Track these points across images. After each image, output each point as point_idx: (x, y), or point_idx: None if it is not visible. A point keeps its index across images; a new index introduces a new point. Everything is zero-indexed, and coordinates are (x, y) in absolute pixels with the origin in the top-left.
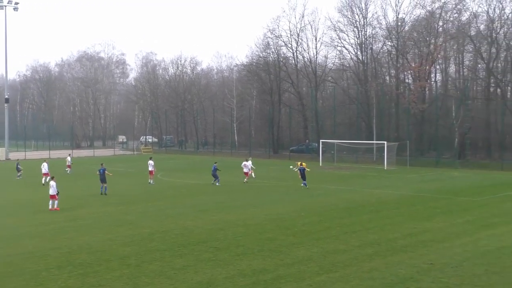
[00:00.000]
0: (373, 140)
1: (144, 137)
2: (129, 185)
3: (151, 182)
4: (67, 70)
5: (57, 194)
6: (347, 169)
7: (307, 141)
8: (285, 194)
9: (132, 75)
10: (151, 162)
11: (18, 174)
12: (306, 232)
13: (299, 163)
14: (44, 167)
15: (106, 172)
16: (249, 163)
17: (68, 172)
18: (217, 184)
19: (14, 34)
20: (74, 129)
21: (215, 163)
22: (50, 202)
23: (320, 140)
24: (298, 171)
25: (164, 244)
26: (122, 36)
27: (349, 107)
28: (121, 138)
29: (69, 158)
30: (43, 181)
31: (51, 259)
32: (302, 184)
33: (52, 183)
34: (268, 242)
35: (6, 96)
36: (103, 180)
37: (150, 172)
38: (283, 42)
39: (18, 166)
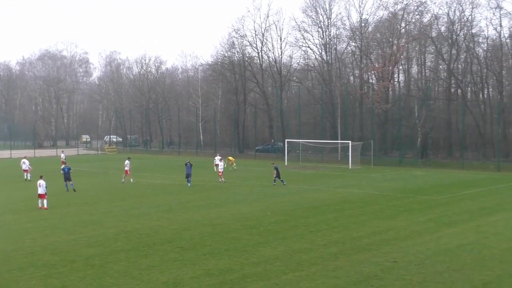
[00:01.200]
0: (337, 140)
1: (108, 136)
2: (94, 185)
3: (124, 181)
4: (29, 69)
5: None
6: (313, 168)
7: (272, 140)
8: (250, 193)
9: (96, 74)
10: (127, 162)
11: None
12: (272, 231)
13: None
14: (25, 164)
15: (70, 171)
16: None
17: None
18: (188, 184)
19: None
20: (36, 128)
21: (187, 162)
22: (40, 201)
23: (286, 140)
24: (274, 170)
25: (129, 244)
26: (85, 34)
27: (314, 107)
28: (85, 137)
29: (63, 155)
30: (25, 177)
31: (13, 260)
32: (281, 182)
33: (41, 182)
34: (234, 241)
35: None
36: (67, 178)
37: (126, 171)
38: (248, 42)
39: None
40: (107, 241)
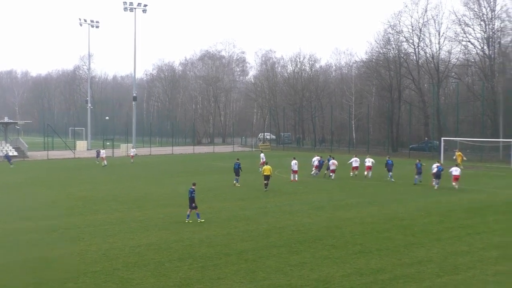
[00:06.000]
0: (499, 138)
1: (263, 134)
2: (247, 181)
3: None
4: (190, 69)
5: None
6: (471, 168)
7: (426, 138)
8: (404, 193)
9: (252, 73)
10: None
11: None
12: (426, 232)
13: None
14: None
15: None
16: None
17: (131, 161)
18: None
19: (143, 35)
20: (195, 126)
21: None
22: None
23: (442, 138)
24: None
25: (281, 240)
26: (242, 34)
27: (474, 104)
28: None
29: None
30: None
31: (174, 251)
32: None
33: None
34: (386, 241)
35: (134, 94)
36: (236, 173)
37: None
38: (404, 37)
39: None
40: (259, 236)
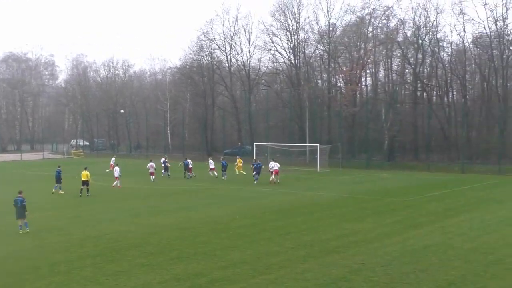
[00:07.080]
0: (306, 143)
1: (75, 140)
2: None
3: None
4: None
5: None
6: (281, 171)
7: (239, 144)
8: (219, 197)
9: (62, 77)
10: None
11: None
12: (241, 235)
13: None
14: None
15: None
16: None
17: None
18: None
19: None
20: None
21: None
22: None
23: (254, 143)
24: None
25: (96, 249)
26: (51, 37)
27: (282, 110)
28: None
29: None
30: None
31: None
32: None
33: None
34: (202, 245)
35: None
36: (58, 180)
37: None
38: (217, 45)
39: None
40: (73, 247)
